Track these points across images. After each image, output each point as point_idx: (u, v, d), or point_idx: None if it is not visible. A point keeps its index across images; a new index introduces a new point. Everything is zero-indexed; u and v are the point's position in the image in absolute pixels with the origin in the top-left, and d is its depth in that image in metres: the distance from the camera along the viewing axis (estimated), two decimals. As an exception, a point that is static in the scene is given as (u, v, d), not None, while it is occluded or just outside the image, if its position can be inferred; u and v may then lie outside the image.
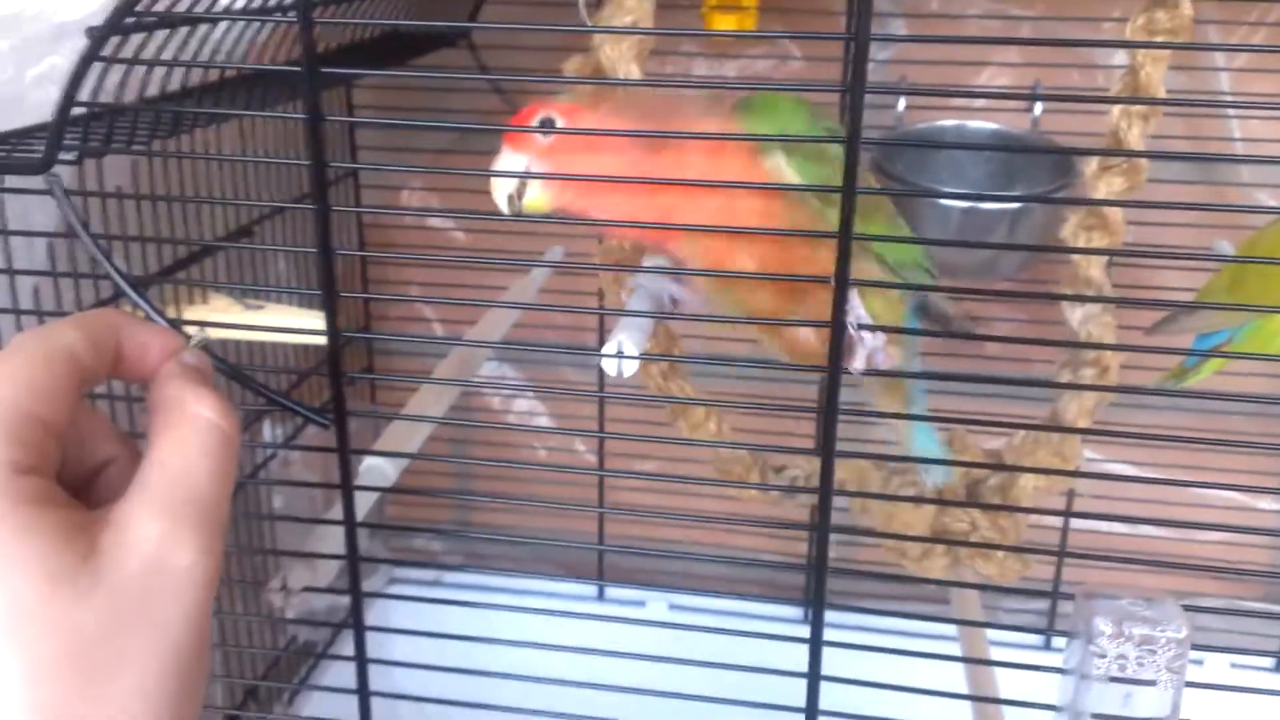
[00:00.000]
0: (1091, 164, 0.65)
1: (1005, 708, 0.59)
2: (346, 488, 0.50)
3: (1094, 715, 0.46)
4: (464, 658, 0.53)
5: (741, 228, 0.50)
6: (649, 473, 1.09)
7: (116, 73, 0.50)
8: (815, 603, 0.48)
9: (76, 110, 0.47)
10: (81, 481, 0.35)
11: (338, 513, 0.51)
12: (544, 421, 1.14)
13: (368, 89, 1.00)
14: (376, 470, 0.61)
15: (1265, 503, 1.01)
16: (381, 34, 0.91)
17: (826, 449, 0.45)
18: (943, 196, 0.80)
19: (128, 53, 0.48)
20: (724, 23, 0.82)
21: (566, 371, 1.10)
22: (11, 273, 0.55)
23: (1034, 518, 0.88)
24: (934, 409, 0.67)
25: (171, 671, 0.30)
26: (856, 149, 0.40)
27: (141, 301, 0.49)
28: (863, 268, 0.52)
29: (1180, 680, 0.45)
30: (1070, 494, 0.89)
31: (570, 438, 1.12)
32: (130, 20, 0.47)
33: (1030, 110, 0.87)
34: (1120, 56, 0.90)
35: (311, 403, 0.50)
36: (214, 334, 0.50)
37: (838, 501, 0.46)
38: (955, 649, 0.69)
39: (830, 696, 0.48)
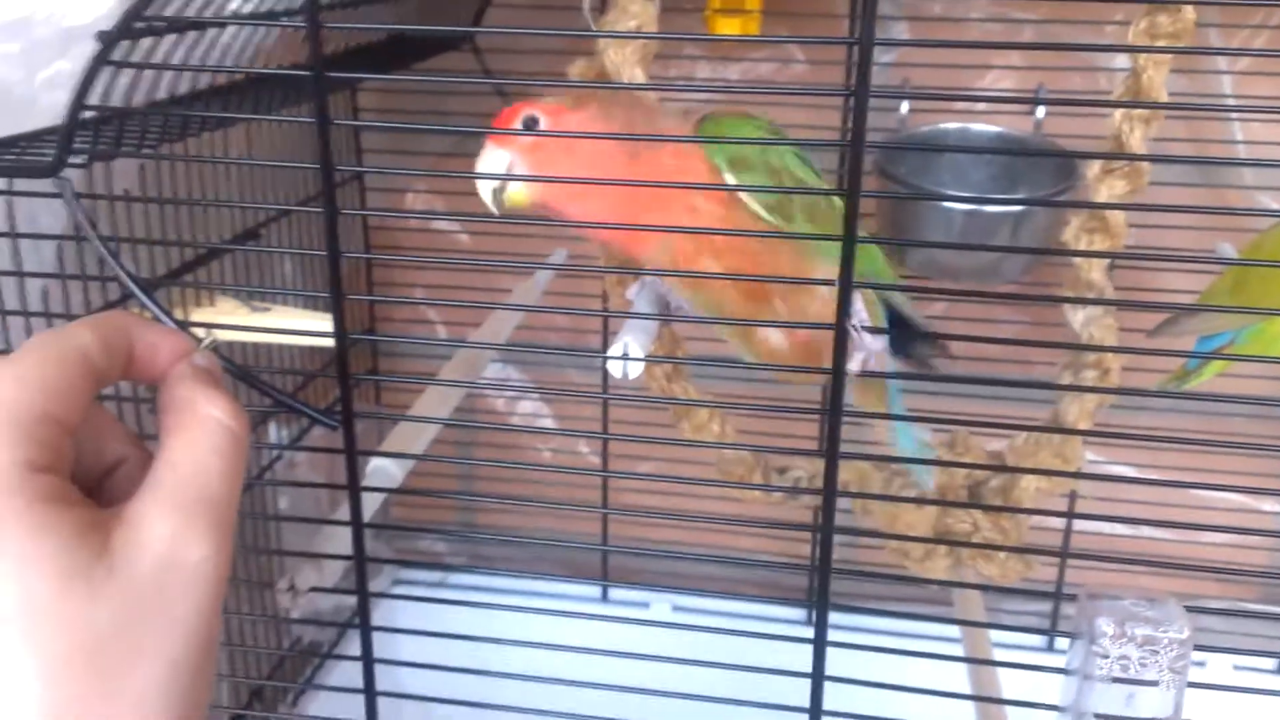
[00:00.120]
0: (1094, 167, 0.65)
1: (1008, 708, 0.59)
2: (354, 489, 0.50)
3: (1096, 716, 0.47)
4: (469, 658, 0.53)
5: (741, 231, 0.52)
6: (652, 474, 1.10)
7: (126, 76, 0.50)
8: (819, 603, 0.48)
9: (86, 114, 0.47)
10: (93, 482, 0.35)
11: (343, 513, 0.51)
12: (548, 423, 1.14)
13: (372, 92, 1.00)
14: (383, 471, 0.61)
15: (1267, 504, 1.02)
16: (387, 37, 0.91)
17: (830, 450, 0.46)
18: (946, 199, 0.80)
19: (137, 57, 0.49)
20: (728, 27, 0.82)
21: (570, 373, 1.11)
22: (21, 275, 0.55)
23: (1036, 519, 0.88)
24: (935, 410, 0.67)
25: (184, 666, 0.30)
26: (861, 152, 0.41)
27: (150, 303, 0.49)
28: (825, 270, 0.54)
29: (1182, 681, 0.46)
30: (1072, 495, 0.89)
31: (574, 439, 1.13)
32: (140, 25, 0.47)
33: (1033, 113, 0.88)
34: (1122, 59, 0.91)
35: (316, 404, 0.50)
36: (221, 336, 0.51)
37: (840, 503, 0.47)
38: (958, 650, 0.70)
39: (834, 697, 0.49)
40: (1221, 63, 0.92)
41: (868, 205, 0.84)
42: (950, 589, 0.78)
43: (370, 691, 0.53)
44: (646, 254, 0.55)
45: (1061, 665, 0.49)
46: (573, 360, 1.10)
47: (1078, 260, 0.66)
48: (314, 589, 0.67)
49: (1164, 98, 0.62)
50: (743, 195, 0.53)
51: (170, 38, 0.52)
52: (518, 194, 0.52)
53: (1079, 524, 0.99)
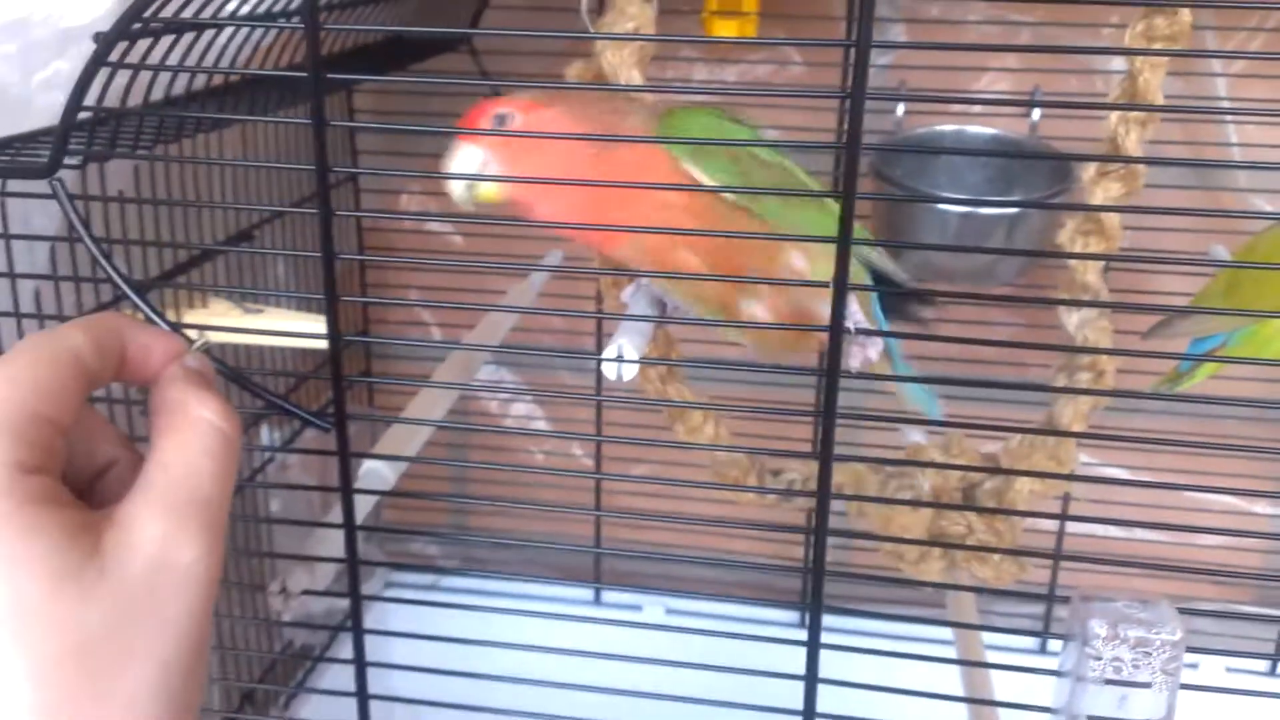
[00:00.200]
0: (1089, 169, 0.65)
1: (1001, 710, 0.59)
2: (346, 491, 0.50)
3: (1089, 718, 0.47)
4: (462, 661, 0.53)
5: (740, 233, 0.52)
6: (646, 476, 1.10)
7: (122, 77, 0.50)
8: (813, 605, 0.48)
9: (81, 115, 0.47)
10: (84, 483, 0.35)
11: (336, 516, 0.51)
12: (541, 425, 1.14)
13: (368, 93, 1.00)
14: (376, 474, 0.61)
15: (1260, 506, 1.02)
16: (384, 38, 0.91)
17: (825, 453, 0.45)
18: (941, 201, 0.80)
19: (134, 58, 0.48)
20: (725, 28, 0.83)
21: (564, 375, 1.11)
22: (13, 276, 0.55)
23: (1030, 521, 0.89)
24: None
25: (175, 668, 0.30)
26: (857, 154, 0.41)
27: (143, 305, 0.49)
28: (797, 250, 0.55)
29: (1175, 683, 0.46)
30: (1066, 497, 0.89)
31: (567, 441, 1.13)
32: (137, 26, 0.47)
33: (1029, 115, 0.88)
34: (1119, 62, 0.91)
35: (309, 406, 0.50)
36: (214, 337, 0.51)
37: (834, 505, 0.47)
38: (951, 652, 0.70)
39: (827, 699, 0.48)
40: (1217, 65, 0.92)
41: (863, 207, 0.84)
42: (943, 591, 0.78)
43: (362, 694, 0.53)
44: (618, 249, 0.55)
45: (1054, 667, 0.49)
46: (566, 362, 1.10)
47: (1073, 262, 0.66)
48: (306, 591, 0.67)
49: (1160, 100, 0.62)
50: (706, 180, 0.53)
51: (167, 38, 0.51)
52: (490, 189, 0.52)
53: (1072, 526, 0.99)
